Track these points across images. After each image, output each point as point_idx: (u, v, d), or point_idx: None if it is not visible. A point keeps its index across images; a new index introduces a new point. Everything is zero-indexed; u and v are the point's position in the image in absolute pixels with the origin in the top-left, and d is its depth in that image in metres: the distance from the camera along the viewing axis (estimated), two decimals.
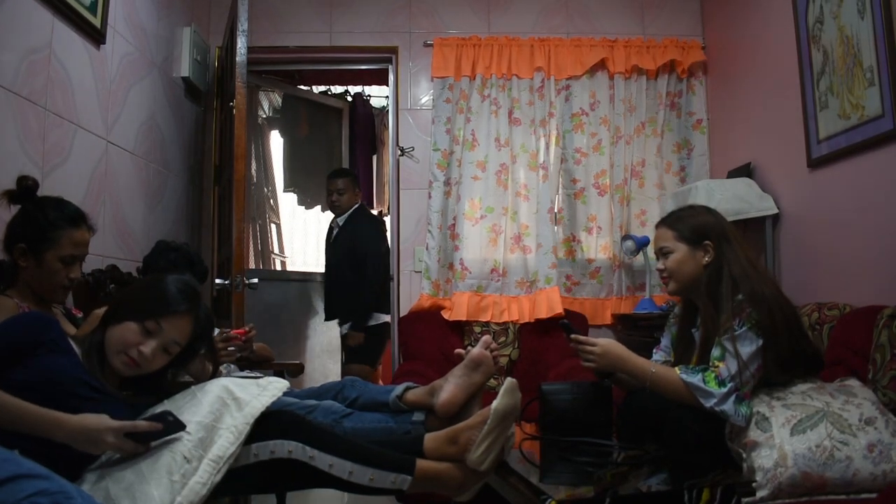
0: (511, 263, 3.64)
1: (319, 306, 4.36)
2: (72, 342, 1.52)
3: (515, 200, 3.67)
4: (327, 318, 4.03)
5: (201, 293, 1.68)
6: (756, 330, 1.71)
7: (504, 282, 3.59)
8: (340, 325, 3.91)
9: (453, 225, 3.61)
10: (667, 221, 1.98)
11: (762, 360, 1.71)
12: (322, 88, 5.19)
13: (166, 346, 1.55)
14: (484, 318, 3.48)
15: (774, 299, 1.76)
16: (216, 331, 1.74)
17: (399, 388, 1.80)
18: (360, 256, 3.77)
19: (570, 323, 1.93)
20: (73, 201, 1.81)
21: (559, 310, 3.42)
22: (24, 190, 1.73)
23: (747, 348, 1.70)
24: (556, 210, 3.66)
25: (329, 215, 4.33)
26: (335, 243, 3.95)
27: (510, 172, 3.67)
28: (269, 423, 1.47)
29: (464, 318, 3.45)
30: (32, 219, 1.69)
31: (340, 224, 3.96)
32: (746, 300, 1.74)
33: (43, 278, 1.70)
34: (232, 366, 2.25)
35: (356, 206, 3.99)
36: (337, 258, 3.91)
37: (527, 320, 3.50)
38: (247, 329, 2.27)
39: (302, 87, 5.04)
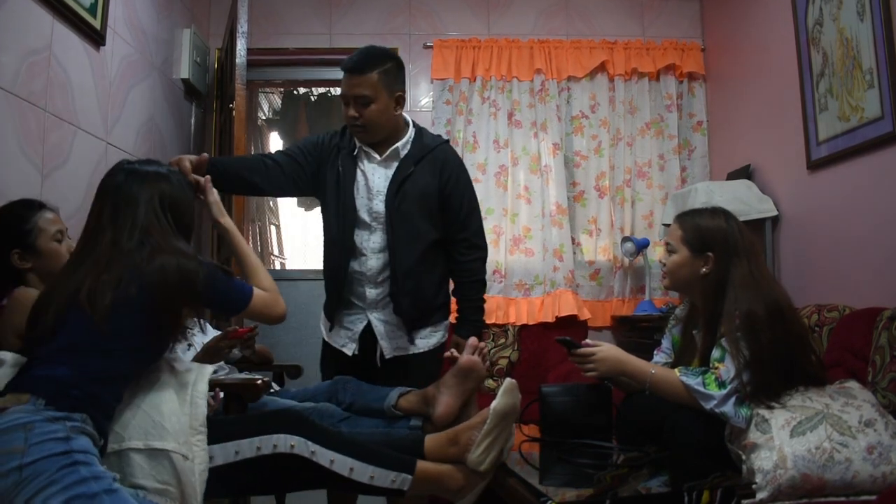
0: (511, 265, 3.64)
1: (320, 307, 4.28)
2: None
3: (516, 202, 3.68)
4: (411, 326, 2.08)
5: None
6: (738, 347, 1.68)
7: (505, 283, 3.60)
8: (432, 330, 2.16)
9: None
10: (681, 218, 1.93)
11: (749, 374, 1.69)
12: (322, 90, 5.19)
13: None
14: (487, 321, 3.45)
15: (766, 320, 1.69)
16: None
17: (393, 396, 1.78)
18: (461, 210, 2.12)
19: (570, 339, 1.88)
20: (72, 203, 1.82)
21: (573, 311, 3.48)
22: None
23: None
24: (558, 213, 3.64)
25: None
26: (399, 190, 2.05)
27: (510, 174, 3.68)
28: (273, 419, 1.49)
29: None
30: (5, 228, 1.71)
31: (405, 154, 2.07)
32: (738, 319, 1.70)
33: (52, 263, 1.72)
34: (230, 366, 2.24)
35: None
36: (414, 215, 2.06)
37: (535, 321, 3.52)
38: (251, 328, 2.22)
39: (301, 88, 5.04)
